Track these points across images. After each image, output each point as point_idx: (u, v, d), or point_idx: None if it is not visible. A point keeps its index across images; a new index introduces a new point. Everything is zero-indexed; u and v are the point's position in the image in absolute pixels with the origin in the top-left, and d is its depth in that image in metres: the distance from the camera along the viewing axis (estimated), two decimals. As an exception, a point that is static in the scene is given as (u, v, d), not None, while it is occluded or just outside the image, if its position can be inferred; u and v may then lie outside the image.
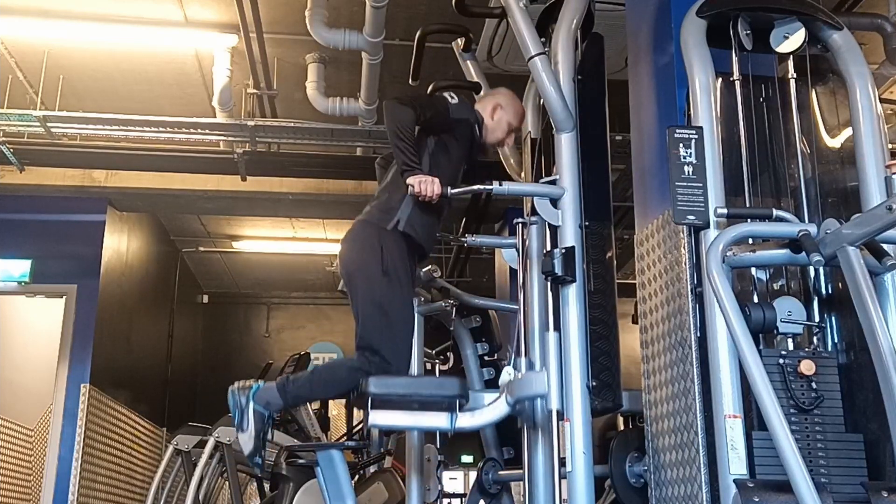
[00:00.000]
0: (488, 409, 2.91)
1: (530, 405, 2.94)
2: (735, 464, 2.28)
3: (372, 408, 2.83)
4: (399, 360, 3.07)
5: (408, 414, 2.88)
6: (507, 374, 2.93)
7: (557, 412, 2.74)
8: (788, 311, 2.48)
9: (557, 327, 2.83)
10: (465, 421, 2.88)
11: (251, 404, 3.09)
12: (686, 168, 2.54)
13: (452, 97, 3.37)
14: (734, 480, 2.26)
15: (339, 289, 3.52)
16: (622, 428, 3.34)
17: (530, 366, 2.95)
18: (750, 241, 2.44)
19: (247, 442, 3.09)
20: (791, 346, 2.48)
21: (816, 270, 2.61)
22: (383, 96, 6.00)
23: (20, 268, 6.90)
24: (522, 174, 3.65)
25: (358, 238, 3.24)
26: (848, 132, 2.73)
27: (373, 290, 3.12)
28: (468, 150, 3.41)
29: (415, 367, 3.61)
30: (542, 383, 2.79)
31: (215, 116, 6.17)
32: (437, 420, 2.87)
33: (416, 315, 3.37)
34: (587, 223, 2.98)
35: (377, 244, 3.15)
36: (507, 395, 2.86)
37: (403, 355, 3.13)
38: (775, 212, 2.46)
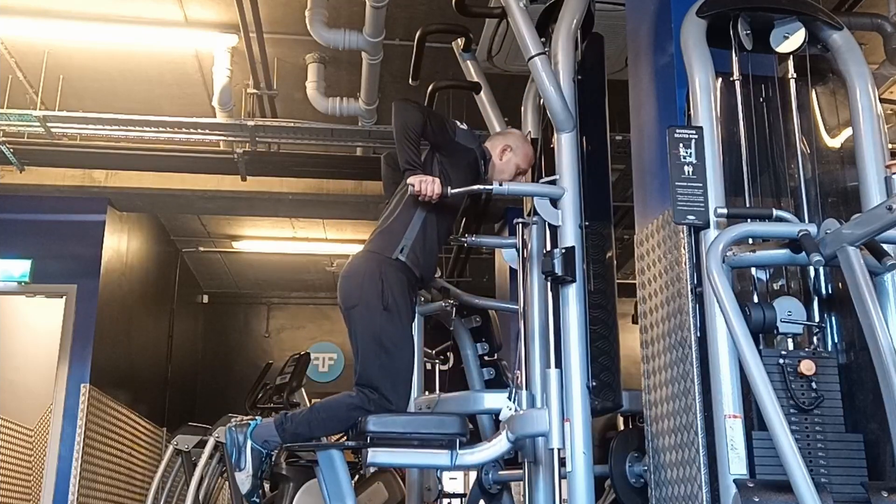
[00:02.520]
0: (489, 447, 2.89)
1: (531, 442, 2.94)
2: (735, 464, 2.28)
3: (370, 446, 2.80)
4: (399, 398, 3.04)
5: (408, 452, 2.86)
6: (507, 409, 2.90)
7: (559, 451, 2.71)
8: (788, 311, 2.48)
9: (559, 364, 2.80)
10: (467, 459, 2.87)
11: (249, 443, 3.09)
12: (686, 168, 2.53)
13: (462, 124, 3.37)
14: (734, 480, 2.26)
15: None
16: (622, 428, 3.34)
17: (531, 400, 2.92)
18: (750, 241, 2.44)
19: (244, 481, 3.08)
20: (791, 346, 2.48)
21: (816, 270, 2.60)
22: (383, 96, 6.01)
23: (20, 268, 6.90)
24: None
25: (359, 272, 3.19)
26: (848, 132, 2.73)
27: (373, 326, 3.08)
28: (472, 183, 3.32)
29: (415, 366, 3.61)
30: (543, 422, 2.74)
31: (215, 116, 6.17)
32: (438, 458, 2.86)
33: (416, 352, 3.33)
34: (587, 223, 2.98)
35: (378, 278, 3.11)
36: (507, 432, 2.85)
37: (403, 392, 3.09)
38: (775, 212, 2.46)
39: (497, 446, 2.88)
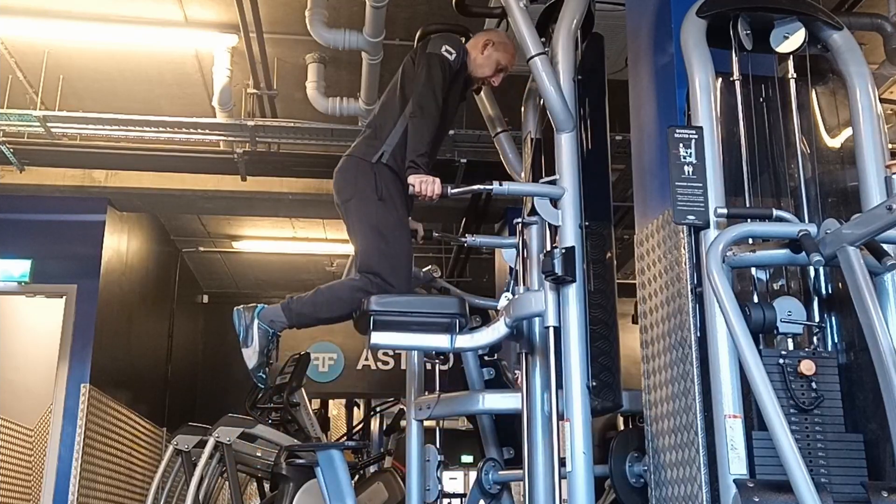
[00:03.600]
0: (487, 330, 3.00)
1: (529, 329, 3.00)
2: (735, 464, 2.28)
3: (373, 329, 2.91)
4: (399, 281, 3.17)
5: (408, 335, 2.98)
6: (505, 298, 2.99)
7: (555, 329, 2.78)
8: (788, 311, 2.48)
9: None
10: (465, 341, 2.98)
11: (256, 321, 3.20)
12: (686, 168, 2.54)
13: (450, 53, 3.41)
14: (734, 480, 2.26)
15: None
16: (622, 428, 3.34)
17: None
18: (750, 241, 2.44)
19: (251, 356, 3.19)
20: (791, 346, 2.48)
21: (816, 270, 2.60)
22: (383, 96, 6.00)
23: (20, 268, 6.90)
24: (522, 174, 3.65)
25: (350, 168, 3.36)
26: (848, 132, 2.73)
27: (370, 215, 3.23)
28: (461, 91, 3.54)
29: (415, 366, 3.61)
30: (539, 301, 2.84)
31: (215, 116, 6.17)
32: (437, 340, 2.97)
33: (411, 235, 3.46)
34: (587, 223, 2.98)
35: (370, 171, 3.27)
36: (505, 318, 2.93)
37: (404, 275, 3.22)
38: (775, 212, 2.46)
39: (495, 330, 2.97)
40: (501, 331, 2.96)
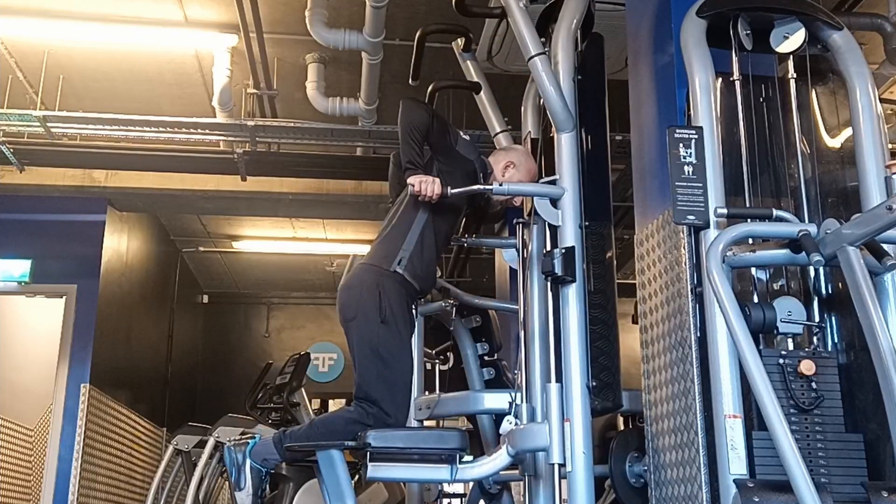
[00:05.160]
0: (489, 461, 2.89)
1: (532, 455, 2.94)
2: (735, 464, 2.28)
3: (370, 461, 2.79)
4: (397, 411, 3.03)
5: (408, 467, 2.85)
6: (507, 422, 2.90)
7: (559, 465, 2.71)
8: (788, 311, 2.48)
9: (560, 379, 2.80)
10: (467, 473, 2.87)
11: (248, 462, 3.09)
12: (686, 168, 2.53)
13: (465, 135, 3.36)
14: (734, 480, 2.26)
15: (339, 289, 3.52)
16: (622, 428, 3.33)
17: (531, 414, 2.92)
18: (750, 241, 2.44)
19: (244, 500, 3.08)
20: (791, 346, 2.48)
21: (816, 270, 2.60)
22: (383, 96, 6.01)
23: (20, 268, 6.90)
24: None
25: (357, 284, 3.18)
26: (848, 132, 2.73)
27: (371, 338, 3.07)
28: (471, 197, 3.35)
29: (414, 378, 3.60)
30: (543, 437, 2.75)
31: (215, 116, 6.17)
32: (438, 472, 2.84)
33: (415, 364, 3.32)
34: (587, 223, 2.98)
35: (376, 290, 3.10)
36: (508, 446, 2.85)
37: (402, 405, 3.08)
38: (775, 212, 2.46)
39: (497, 461, 2.87)
40: (503, 461, 2.86)
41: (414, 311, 3.30)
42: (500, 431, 2.93)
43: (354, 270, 3.27)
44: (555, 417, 2.75)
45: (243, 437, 3.20)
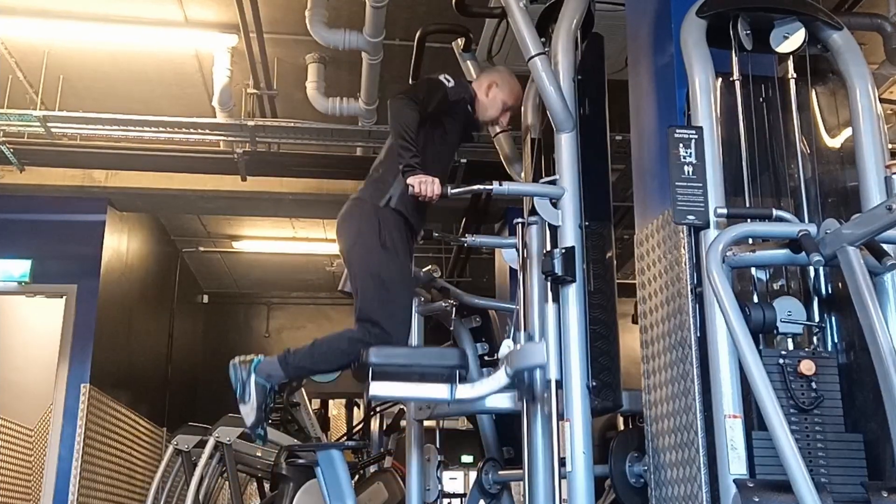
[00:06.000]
0: (488, 381, 2.95)
1: (529, 377, 2.96)
2: (735, 464, 2.28)
3: (372, 379, 2.84)
4: (399, 331, 3.11)
5: (408, 385, 2.92)
6: (506, 346, 2.95)
7: (556, 382, 2.76)
8: (788, 311, 2.48)
9: (556, 299, 2.86)
10: (465, 392, 2.92)
11: (253, 377, 3.15)
12: (686, 168, 2.54)
13: (448, 80, 3.39)
14: (734, 480, 2.26)
15: (338, 289, 3.52)
16: (622, 428, 3.34)
17: (529, 339, 2.98)
18: (750, 241, 2.44)
19: (249, 413, 3.14)
20: (791, 346, 2.48)
21: (816, 270, 2.60)
22: (383, 96, 6.00)
23: (20, 268, 6.89)
24: (522, 174, 3.65)
25: (354, 213, 3.30)
26: (848, 132, 2.73)
27: (371, 263, 3.17)
28: (463, 129, 3.49)
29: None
30: (540, 354, 2.81)
31: (215, 116, 6.17)
32: (437, 391, 2.90)
33: (414, 285, 3.41)
34: (587, 223, 2.98)
35: (375, 218, 3.21)
36: (506, 367, 2.89)
37: (404, 326, 3.16)
38: (775, 212, 2.46)
39: (495, 380, 2.92)
40: (502, 381, 2.90)
41: (410, 240, 3.33)
42: (499, 355, 2.98)
43: (349, 204, 3.38)
44: (552, 336, 2.81)
45: (247, 356, 3.25)
